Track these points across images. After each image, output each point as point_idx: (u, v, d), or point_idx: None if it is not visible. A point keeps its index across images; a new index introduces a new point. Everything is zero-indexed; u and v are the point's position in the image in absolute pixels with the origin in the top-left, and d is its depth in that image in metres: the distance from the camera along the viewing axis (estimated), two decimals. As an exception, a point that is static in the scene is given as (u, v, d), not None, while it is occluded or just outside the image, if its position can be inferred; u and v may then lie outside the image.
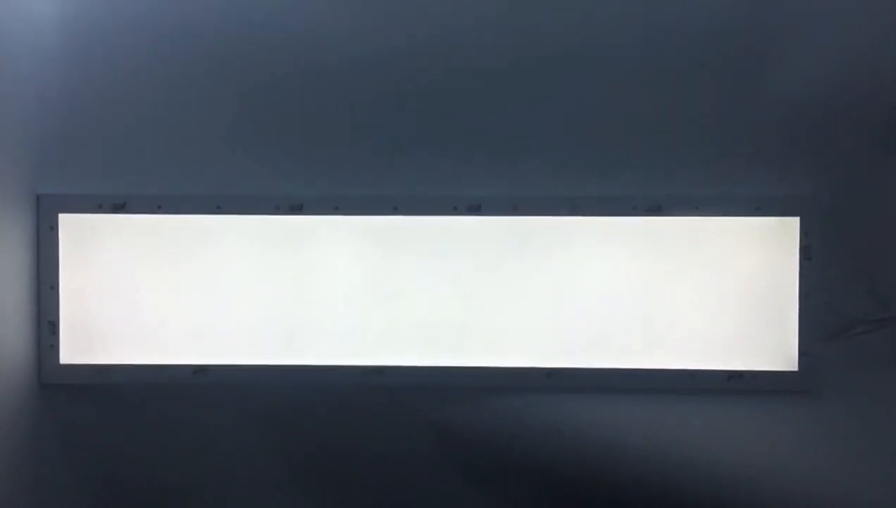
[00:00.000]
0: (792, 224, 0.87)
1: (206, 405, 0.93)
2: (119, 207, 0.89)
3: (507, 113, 0.90)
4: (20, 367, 0.88)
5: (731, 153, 0.89)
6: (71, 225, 0.90)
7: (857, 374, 0.88)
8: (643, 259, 0.89)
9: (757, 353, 0.88)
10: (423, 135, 0.91)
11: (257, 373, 0.90)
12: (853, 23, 0.87)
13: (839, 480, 0.87)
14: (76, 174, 0.90)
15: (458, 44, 0.89)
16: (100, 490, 0.94)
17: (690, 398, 0.89)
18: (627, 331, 0.89)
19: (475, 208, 0.89)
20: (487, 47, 0.89)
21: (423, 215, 0.89)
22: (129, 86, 0.90)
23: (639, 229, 0.88)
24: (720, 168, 0.89)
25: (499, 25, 0.89)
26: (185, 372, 0.90)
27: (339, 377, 0.90)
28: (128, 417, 0.93)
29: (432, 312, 0.90)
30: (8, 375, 0.86)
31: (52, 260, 0.89)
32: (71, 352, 0.90)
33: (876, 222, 0.89)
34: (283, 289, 0.90)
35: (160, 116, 0.90)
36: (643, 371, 0.89)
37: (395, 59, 0.89)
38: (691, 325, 0.89)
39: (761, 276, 0.88)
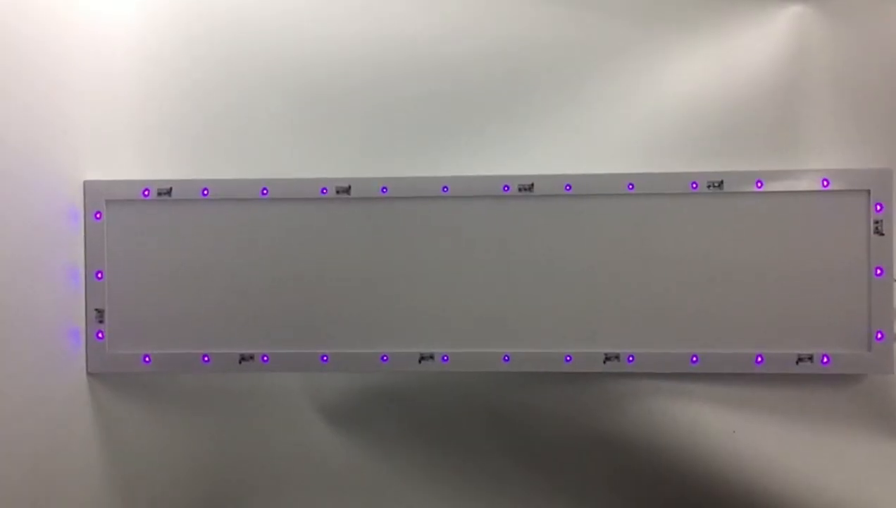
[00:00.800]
0: (861, 198, 0.83)
1: (253, 393, 0.91)
2: (165, 192, 0.88)
3: (566, 95, 0.88)
4: (68, 356, 0.87)
5: (796, 125, 0.85)
6: (118, 211, 0.88)
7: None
8: (706, 238, 0.85)
9: (827, 334, 0.84)
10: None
11: (305, 360, 0.88)
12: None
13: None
14: (123, 160, 0.90)
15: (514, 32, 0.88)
16: (148, 481, 0.92)
17: (758, 383, 0.85)
18: (690, 314, 0.85)
19: (527, 188, 0.86)
20: (547, 38, 0.88)
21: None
22: (175, 71, 0.90)
23: (699, 207, 0.85)
24: (785, 141, 0.85)
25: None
26: (232, 360, 0.88)
27: (397, 363, 0.87)
28: (173, 405, 0.91)
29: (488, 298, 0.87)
30: (56, 365, 0.85)
31: (99, 247, 0.88)
32: (118, 341, 0.89)
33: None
34: (333, 274, 0.88)
35: (208, 98, 0.89)
36: (707, 355, 0.85)
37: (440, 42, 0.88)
38: (757, 306, 0.84)
39: (830, 253, 0.84)
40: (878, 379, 0.85)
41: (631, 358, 0.85)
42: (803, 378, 0.85)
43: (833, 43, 0.86)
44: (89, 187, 0.88)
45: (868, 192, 0.83)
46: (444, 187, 0.87)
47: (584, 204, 0.86)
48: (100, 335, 0.88)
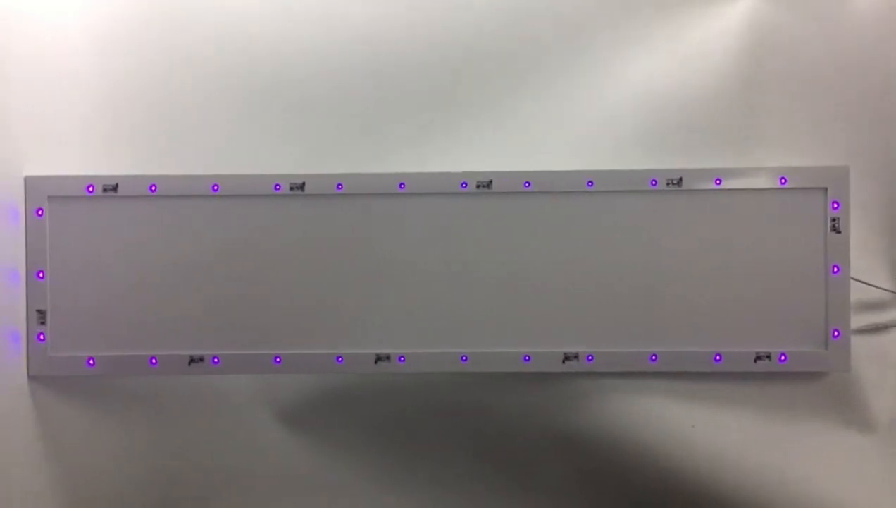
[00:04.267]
0: (818, 196, 0.83)
1: (203, 396, 0.88)
2: (111, 188, 0.85)
3: (521, 90, 0.87)
4: (7, 359, 0.83)
5: (754, 124, 0.85)
6: (61, 208, 0.85)
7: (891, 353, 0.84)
8: (665, 236, 0.84)
9: (785, 332, 0.84)
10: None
11: (258, 362, 0.85)
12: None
13: (875, 468, 0.83)
14: (65, 155, 0.86)
15: (466, 21, 0.87)
16: (90, 487, 0.88)
17: (717, 379, 0.85)
18: (649, 312, 0.84)
19: (486, 185, 0.85)
20: (498, 29, 0.87)
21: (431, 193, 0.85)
22: (121, 62, 0.87)
23: (658, 204, 0.84)
24: (743, 139, 0.85)
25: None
26: (180, 362, 0.85)
27: (352, 364, 0.85)
28: (119, 410, 0.88)
29: (444, 296, 0.85)
30: (-6, 368, 0.81)
31: (40, 246, 0.85)
32: (60, 343, 0.85)
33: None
34: (287, 273, 0.85)
35: (155, 89, 0.87)
36: (666, 354, 0.84)
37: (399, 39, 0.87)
38: (715, 304, 0.84)
39: (787, 251, 0.84)
40: (835, 376, 0.85)
41: (590, 357, 0.84)
42: (761, 375, 0.84)
43: (787, 36, 0.86)
44: (30, 183, 0.85)
45: (825, 190, 0.83)
46: (401, 184, 0.85)
47: (542, 201, 0.85)
48: (41, 337, 0.85)
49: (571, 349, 0.84)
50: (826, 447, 0.85)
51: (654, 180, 0.84)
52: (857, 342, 0.84)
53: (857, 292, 0.84)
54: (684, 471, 0.84)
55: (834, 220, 0.83)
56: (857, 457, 0.85)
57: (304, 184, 0.85)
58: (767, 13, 0.86)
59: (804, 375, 0.85)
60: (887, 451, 0.85)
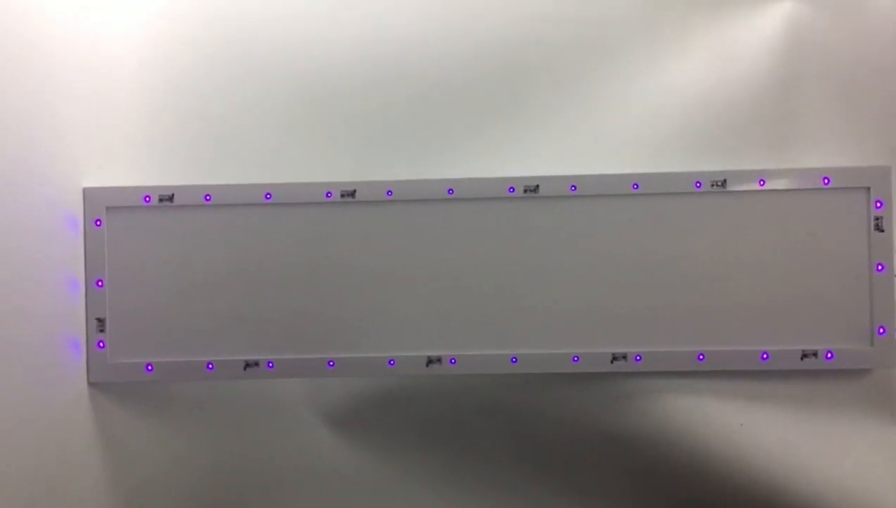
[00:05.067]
0: (861, 195, 0.85)
1: (260, 400, 0.90)
2: (167, 198, 0.87)
3: (565, 94, 0.89)
4: (69, 366, 0.85)
5: (797, 125, 0.87)
6: (119, 218, 0.87)
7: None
8: (710, 236, 0.86)
9: (830, 330, 0.85)
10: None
11: (311, 366, 0.87)
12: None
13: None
14: (123, 166, 0.88)
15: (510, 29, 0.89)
16: (147, 489, 0.91)
17: (764, 378, 0.86)
18: (696, 312, 0.86)
19: (533, 189, 0.86)
20: (541, 35, 0.89)
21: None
22: (176, 76, 0.89)
23: (703, 206, 0.86)
24: (786, 140, 0.86)
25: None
26: (236, 367, 0.87)
27: (404, 367, 0.86)
28: (177, 414, 0.90)
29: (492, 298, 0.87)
30: (56, 375, 0.83)
31: (99, 255, 0.87)
32: (119, 350, 0.87)
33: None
34: (339, 278, 0.87)
35: (211, 103, 0.89)
36: (713, 353, 0.85)
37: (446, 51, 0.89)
38: (762, 303, 0.85)
39: (832, 250, 0.85)
40: (881, 373, 0.86)
41: (638, 357, 0.86)
42: (807, 373, 0.85)
43: (827, 37, 0.87)
44: (89, 194, 0.87)
45: (868, 189, 0.84)
46: (450, 190, 0.87)
47: (589, 204, 0.86)
48: (101, 344, 0.87)
49: (620, 350, 0.86)
50: (872, 444, 0.86)
51: (698, 183, 0.85)
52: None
53: (901, 290, 0.85)
54: (732, 470, 0.86)
55: (877, 219, 0.84)
56: None
57: (354, 191, 0.87)
58: (807, 15, 0.87)
59: (849, 372, 0.86)
60: None
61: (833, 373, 0.86)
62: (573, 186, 0.86)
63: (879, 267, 0.84)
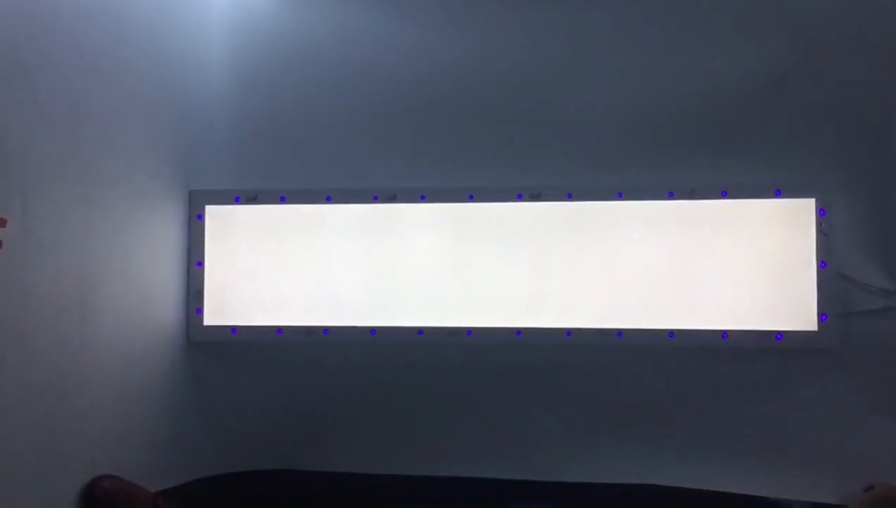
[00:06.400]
0: (808, 205, 1.02)
1: (316, 358, 1.14)
2: (252, 199, 1.12)
3: (562, 117, 1.10)
4: (174, 327, 1.11)
5: (754, 145, 1.05)
6: (215, 214, 1.13)
7: (874, 332, 1.02)
8: (682, 237, 1.05)
9: (782, 316, 1.02)
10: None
11: (357, 333, 1.10)
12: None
13: (856, 428, 1.01)
14: (219, 173, 1.15)
15: (519, 61, 1.11)
16: (231, 428, 1.15)
17: (722, 354, 1.04)
18: (668, 299, 1.05)
19: (537, 196, 1.08)
20: (550, 68, 1.10)
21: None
22: (259, 102, 1.15)
23: (676, 212, 1.05)
24: (745, 159, 1.05)
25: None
26: (299, 332, 1.11)
27: (428, 337, 1.08)
28: (254, 367, 1.15)
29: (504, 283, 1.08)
30: (165, 333, 1.09)
31: (199, 242, 1.13)
32: (212, 316, 1.13)
33: (892, 203, 1.03)
34: (380, 265, 1.10)
35: (285, 123, 1.14)
36: (682, 332, 1.04)
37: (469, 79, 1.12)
38: (725, 293, 1.03)
39: (783, 250, 1.02)
40: (822, 351, 1.03)
41: (620, 334, 1.05)
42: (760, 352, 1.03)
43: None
44: (193, 196, 1.13)
45: (814, 200, 1.02)
46: (470, 196, 1.09)
47: (581, 208, 1.07)
48: (199, 310, 1.12)
49: (606, 326, 1.05)
50: (818, 404, 1.04)
51: (671, 193, 1.05)
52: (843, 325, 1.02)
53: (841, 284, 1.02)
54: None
55: (821, 224, 1.01)
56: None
57: (395, 195, 1.10)
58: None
59: (798, 351, 1.03)
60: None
61: (781, 352, 1.03)
62: (569, 194, 1.07)
63: (822, 264, 1.01)
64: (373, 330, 1.10)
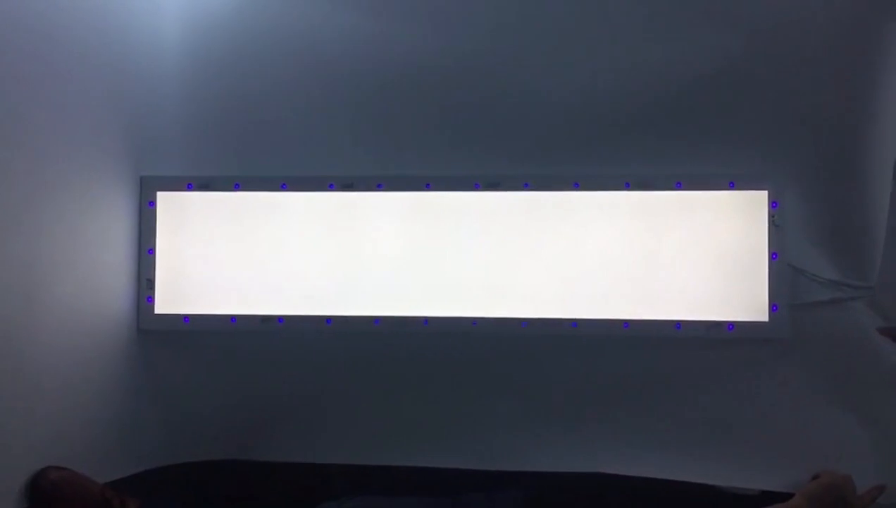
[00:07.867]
0: (761, 197, 1.03)
1: (271, 348, 1.12)
2: (205, 185, 1.10)
3: (519, 105, 1.09)
4: (124, 315, 1.09)
5: (709, 137, 1.06)
6: (167, 201, 1.11)
7: (823, 323, 1.03)
8: (636, 228, 1.05)
9: (734, 307, 1.04)
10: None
11: (313, 322, 1.09)
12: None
13: (806, 418, 1.03)
14: (170, 159, 1.12)
15: (475, 49, 1.10)
16: (183, 419, 1.13)
17: (676, 344, 1.05)
18: (622, 289, 1.05)
19: (494, 185, 1.07)
20: (506, 56, 1.09)
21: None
22: (214, 85, 1.13)
23: (631, 202, 1.05)
24: (700, 150, 1.06)
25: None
26: (254, 321, 1.09)
27: (384, 326, 1.08)
28: (207, 357, 1.13)
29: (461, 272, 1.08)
30: (114, 322, 1.07)
31: (151, 229, 1.10)
32: (163, 304, 1.11)
33: (842, 197, 1.04)
34: (336, 254, 1.09)
35: (239, 109, 1.12)
36: (636, 322, 1.05)
37: (426, 65, 1.10)
38: (677, 284, 1.04)
39: (736, 241, 1.04)
40: (773, 343, 1.04)
41: (574, 324, 1.05)
42: (713, 342, 1.04)
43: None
44: (144, 181, 1.11)
45: (766, 192, 1.03)
46: (427, 184, 1.08)
47: (538, 198, 1.07)
48: (149, 299, 1.10)
49: (561, 316, 1.06)
50: (768, 393, 1.05)
51: (627, 183, 1.05)
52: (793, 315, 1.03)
53: (792, 275, 1.03)
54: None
55: (774, 216, 1.03)
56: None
57: (352, 184, 1.09)
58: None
59: (749, 341, 1.05)
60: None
61: (734, 342, 1.04)
62: (526, 183, 1.07)
63: (774, 256, 1.03)
64: (328, 319, 1.09)
